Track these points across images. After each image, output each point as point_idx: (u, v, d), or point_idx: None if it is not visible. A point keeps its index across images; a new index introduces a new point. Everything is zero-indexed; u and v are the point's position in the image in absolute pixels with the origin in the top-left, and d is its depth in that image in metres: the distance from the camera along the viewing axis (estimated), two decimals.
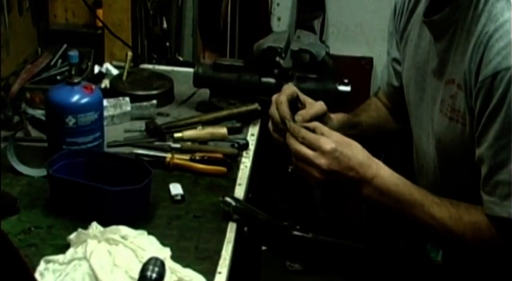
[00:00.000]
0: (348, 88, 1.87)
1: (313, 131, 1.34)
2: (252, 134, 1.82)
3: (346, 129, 1.54)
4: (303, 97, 1.50)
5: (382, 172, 1.32)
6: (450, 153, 1.35)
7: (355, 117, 1.65)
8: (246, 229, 1.40)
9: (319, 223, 2.81)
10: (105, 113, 1.71)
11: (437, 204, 1.30)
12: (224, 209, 1.42)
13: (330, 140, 1.30)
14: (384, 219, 1.54)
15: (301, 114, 1.44)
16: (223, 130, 1.76)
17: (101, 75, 2.07)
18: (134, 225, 1.31)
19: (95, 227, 1.28)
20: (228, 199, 1.43)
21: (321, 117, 1.47)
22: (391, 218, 1.38)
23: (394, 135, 1.69)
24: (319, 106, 1.49)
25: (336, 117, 1.58)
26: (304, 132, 1.32)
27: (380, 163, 1.33)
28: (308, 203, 2.84)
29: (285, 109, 1.43)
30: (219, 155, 1.65)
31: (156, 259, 1.14)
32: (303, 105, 1.49)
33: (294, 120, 1.40)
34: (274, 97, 1.47)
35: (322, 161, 1.28)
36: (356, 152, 1.31)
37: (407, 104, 1.52)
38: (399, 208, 1.31)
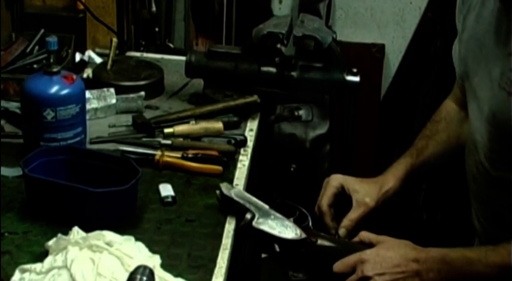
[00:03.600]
0: (356, 78, 1.87)
1: (359, 242, 1.46)
2: (250, 129, 1.82)
3: (411, 181, 1.62)
4: (349, 188, 1.58)
5: (432, 254, 1.39)
6: (504, 130, 1.38)
7: (420, 155, 1.65)
8: (277, 248, 1.45)
9: (325, 227, 2.81)
10: (88, 106, 1.71)
11: (492, 250, 1.35)
12: (220, 199, 1.46)
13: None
14: (396, 222, 1.55)
15: (344, 227, 1.55)
16: (218, 125, 1.76)
17: (83, 64, 2.07)
18: (120, 230, 1.31)
19: (76, 232, 1.28)
20: (224, 190, 1.46)
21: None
22: (403, 221, 1.40)
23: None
24: (363, 208, 1.57)
25: (394, 178, 1.61)
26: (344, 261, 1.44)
27: (427, 249, 1.40)
28: (313, 206, 2.84)
29: (329, 223, 1.58)
30: (214, 153, 1.65)
31: (145, 267, 1.14)
32: (348, 200, 1.58)
33: (337, 233, 1.55)
34: (319, 198, 1.60)
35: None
36: (392, 255, 1.39)
37: (465, 77, 1.55)
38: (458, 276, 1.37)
